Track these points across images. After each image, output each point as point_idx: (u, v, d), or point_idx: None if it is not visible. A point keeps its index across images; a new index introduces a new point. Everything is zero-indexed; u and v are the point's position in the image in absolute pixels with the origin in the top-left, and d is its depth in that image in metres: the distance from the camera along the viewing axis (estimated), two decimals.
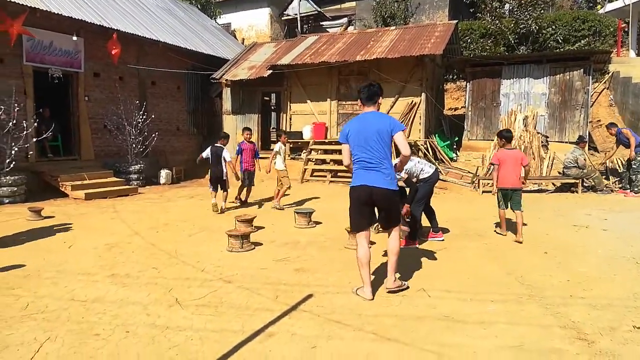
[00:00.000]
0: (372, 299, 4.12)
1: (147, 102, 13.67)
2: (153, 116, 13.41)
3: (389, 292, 4.25)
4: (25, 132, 9.90)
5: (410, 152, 4.15)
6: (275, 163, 9.13)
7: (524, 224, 6.45)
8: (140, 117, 12.66)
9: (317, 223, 7.41)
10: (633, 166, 10.10)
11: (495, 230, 6.80)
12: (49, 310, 3.93)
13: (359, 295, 4.20)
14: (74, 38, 11.35)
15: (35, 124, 10.42)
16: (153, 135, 12.98)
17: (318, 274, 4.90)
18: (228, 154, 8.78)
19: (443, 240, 6.30)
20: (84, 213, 8.67)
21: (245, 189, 9.48)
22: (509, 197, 6.41)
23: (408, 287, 4.38)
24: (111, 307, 4.00)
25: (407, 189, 6.20)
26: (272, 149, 9.52)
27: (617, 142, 10.65)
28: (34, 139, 10.38)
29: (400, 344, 3.30)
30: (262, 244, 6.15)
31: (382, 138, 4.06)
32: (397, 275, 4.43)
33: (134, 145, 12.55)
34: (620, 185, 10.67)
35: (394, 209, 4.26)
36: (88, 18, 11.64)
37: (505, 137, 6.60)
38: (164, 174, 13.49)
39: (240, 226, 6.56)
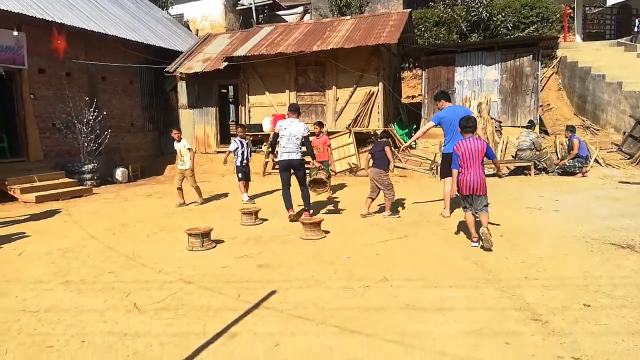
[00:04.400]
0: (449, 216, 6.73)
1: (98, 98, 13.12)
2: (105, 113, 12.89)
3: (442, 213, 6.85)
4: None
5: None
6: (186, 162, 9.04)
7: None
8: (92, 114, 12.17)
9: (264, 220, 7.23)
10: (567, 163, 10.58)
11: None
12: None
13: (443, 215, 6.81)
14: (15, 33, 10.72)
15: None
16: (106, 132, 12.51)
17: (281, 269, 4.88)
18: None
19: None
20: (35, 217, 8.28)
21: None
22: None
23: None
24: (65, 316, 3.85)
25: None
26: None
27: (568, 147, 11.03)
28: None
29: (363, 335, 3.33)
30: (223, 241, 6.06)
31: None
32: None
33: (85, 144, 12.07)
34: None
35: None
36: (29, 12, 11.03)
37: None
38: (119, 172, 13.07)
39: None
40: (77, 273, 4.99)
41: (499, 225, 6.12)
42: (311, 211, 7.22)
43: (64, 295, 4.35)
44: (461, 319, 3.51)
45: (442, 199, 7.17)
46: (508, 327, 3.34)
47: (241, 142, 9.23)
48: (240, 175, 9.14)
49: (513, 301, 3.79)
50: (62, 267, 5.22)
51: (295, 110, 7.32)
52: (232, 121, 18.00)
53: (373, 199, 7.22)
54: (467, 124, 5.33)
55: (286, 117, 7.42)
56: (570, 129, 11.26)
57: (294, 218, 6.98)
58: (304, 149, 7.25)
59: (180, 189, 8.93)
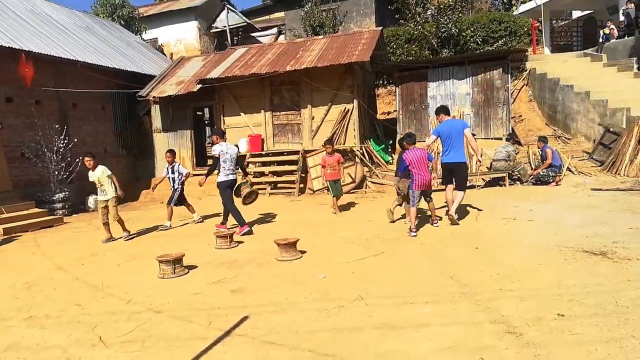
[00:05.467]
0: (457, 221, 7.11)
1: (69, 125, 12.89)
2: (76, 140, 12.64)
3: (448, 216, 7.06)
4: None
5: (474, 140, 7.69)
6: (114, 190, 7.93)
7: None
8: (62, 141, 11.91)
9: (240, 242, 7.09)
10: (541, 173, 10.75)
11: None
12: None
13: (449, 217, 7.08)
14: None
15: None
16: (77, 160, 12.24)
17: (255, 293, 4.76)
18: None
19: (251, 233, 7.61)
20: (1, 250, 7.99)
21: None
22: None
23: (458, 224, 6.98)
24: (26, 354, 3.67)
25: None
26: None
27: (542, 157, 11.19)
28: None
29: (337, 358, 3.24)
30: (196, 267, 5.89)
31: (459, 133, 7.11)
32: (456, 216, 7.16)
33: (56, 173, 11.78)
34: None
35: (464, 175, 7.37)
36: None
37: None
38: (92, 200, 12.72)
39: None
40: (42, 307, 4.78)
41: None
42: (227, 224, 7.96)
43: (26, 331, 4.15)
44: (436, 336, 3.44)
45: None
46: (482, 342, 3.28)
47: (167, 169, 9.05)
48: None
49: (488, 314, 3.74)
50: (26, 302, 5.00)
51: (222, 134, 8.13)
52: (208, 143, 17.87)
53: (400, 205, 7.74)
54: (410, 138, 7.00)
55: (219, 142, 7.91)
56: (543, 139, 11.45)
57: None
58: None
59: (106, 224, 7.94)
